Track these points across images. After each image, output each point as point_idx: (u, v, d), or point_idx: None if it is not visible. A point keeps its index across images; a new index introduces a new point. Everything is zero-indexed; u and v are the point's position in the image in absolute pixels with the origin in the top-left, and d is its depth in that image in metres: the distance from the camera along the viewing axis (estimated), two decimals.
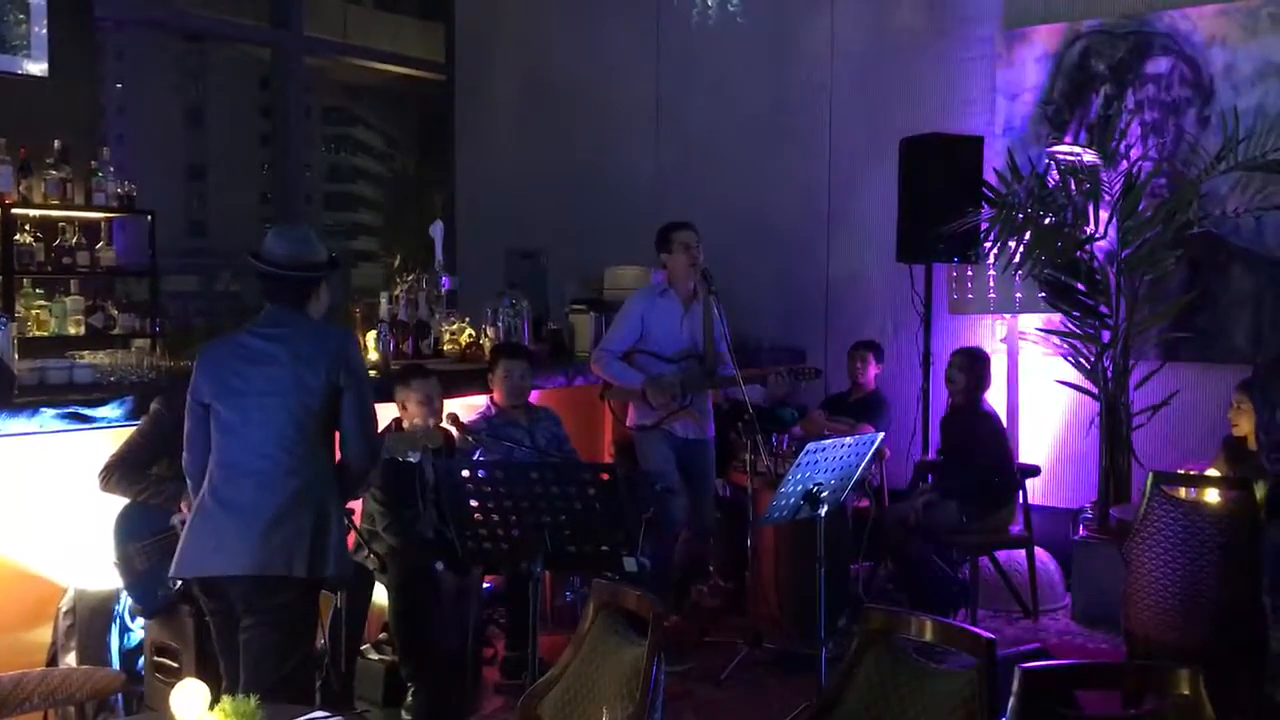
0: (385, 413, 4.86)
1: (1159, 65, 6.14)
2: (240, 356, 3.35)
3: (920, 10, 6.96)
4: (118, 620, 4.15)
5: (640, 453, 5.48)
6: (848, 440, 4.33)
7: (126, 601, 4.10)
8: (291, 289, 3.41)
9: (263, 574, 3.22)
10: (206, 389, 3.35)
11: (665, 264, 5.47)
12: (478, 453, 4.79)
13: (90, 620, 4.12)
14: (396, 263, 6.40)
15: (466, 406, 5.26)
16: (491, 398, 5.28)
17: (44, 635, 4.19)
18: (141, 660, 4.13)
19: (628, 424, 5.51)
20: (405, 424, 4.63)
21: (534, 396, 5.48)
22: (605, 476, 3.48)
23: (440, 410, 4.73)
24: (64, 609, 4.16)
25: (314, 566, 3.25)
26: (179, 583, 3.67)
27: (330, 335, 3.44)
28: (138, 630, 4.16)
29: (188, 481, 3.43)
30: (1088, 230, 5.72)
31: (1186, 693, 2.26)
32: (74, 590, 4.17)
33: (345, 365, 3.35)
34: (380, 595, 4.56)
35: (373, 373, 5.39)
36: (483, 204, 8.73)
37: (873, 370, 6.31)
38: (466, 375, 5.49)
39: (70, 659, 4.09)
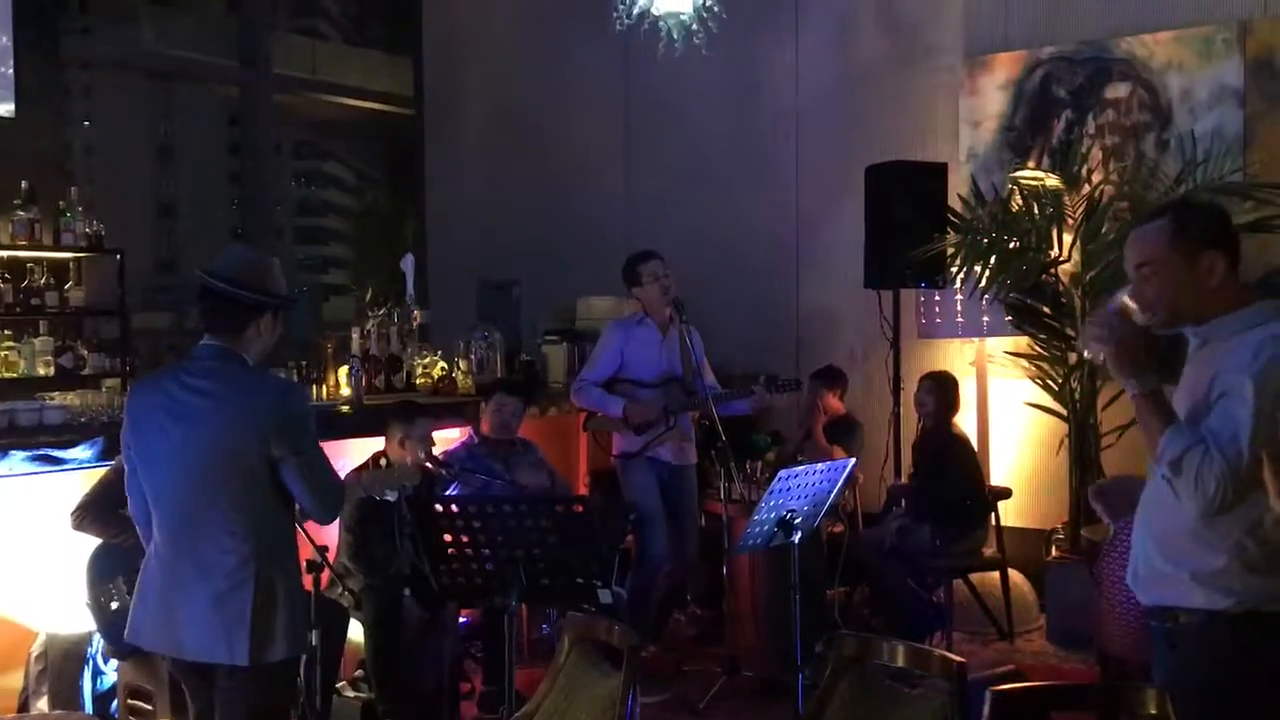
0: (363, 448, 4.88)
1: (1118, 90, 6.24)
2: (168, 411, 3.00)
3: (883, 40, 7.06)
4: (90, 663, 4.12)
5: (624, 481, 5.46)
6: (820, 466, 4.36)
7: (99, 644, 4.07)
8: (232, 316, 3.03)
9: (207, 661, 2.98)
10: (133, 445, 3.07)
11: (637, 297, 5.46)
12: (453, 487, 4.79)
13: (62, 664, 4.09)
14: (368, 296, 6.40)
15: (440, 440, 5.25)
16: (478, 427, 5.28)
17: (15, 681, 4.15)
18: (115, 703, 4.10)
19: (613, 453, 5.50)
20: (391, 458, 4.63)
21: None
22: (579, 508, 3.49)
23: (430, 449, 4.75)
24: (35, 653, 4.13)
25: (257, 652, 2.92)
26: None
27: (263, 393, 3.03)
28: (110, 673, 4.13)
29: (137, 528, 3.19)
30: (1052, 253, 5.80)
31: (1154, 712, 2.28)
32: (45, 634, 4.14)
33: (278, 430, 2.96)
34: (356, 632, 4.54)
35: (345, 408, 5.39)
36: (453, 237, 8.75)
37: (834, 399, 6.34)
38: (439, 409, 5.49)
39: (42, 704, 4.05)
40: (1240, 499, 2.32)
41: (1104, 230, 5.75)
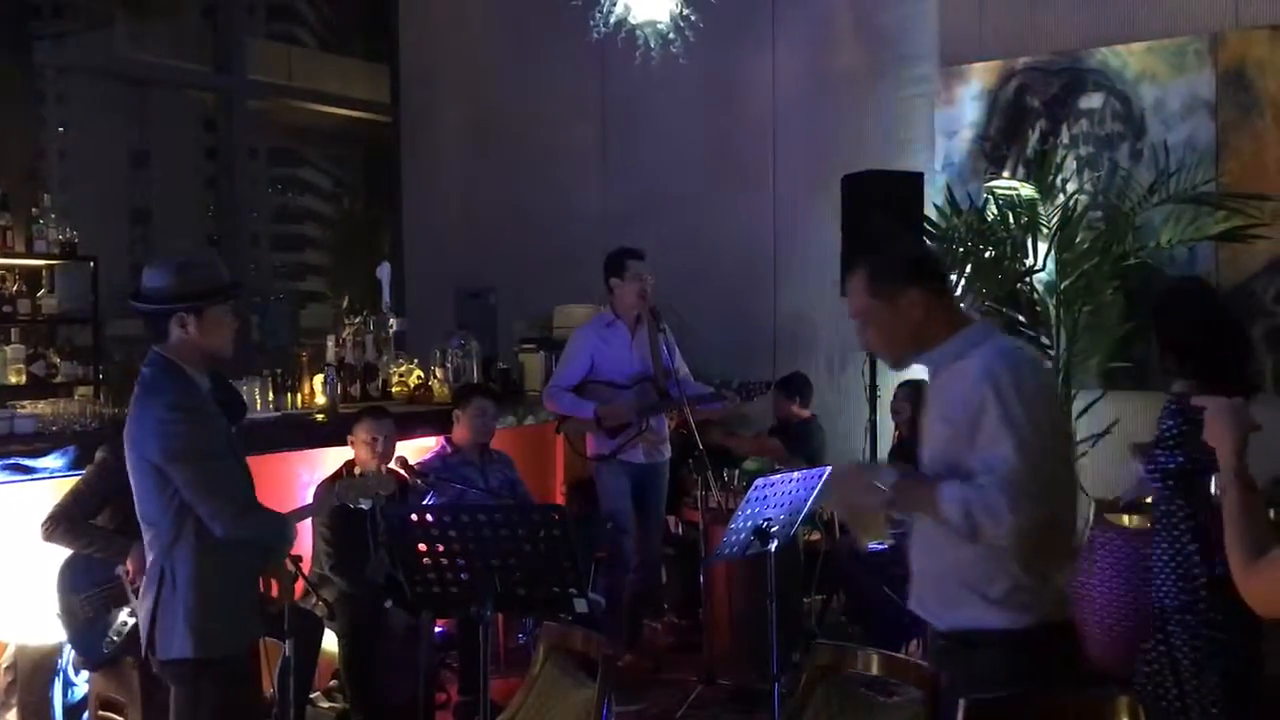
0: (337, 457, 4.86)
1: (1092, 101, 6.28)
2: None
3: (859, 50, 7.09)
4: (60, 674, 4.07)
5: (597, 484, 5.50)
6: (796, 474, 4.36)
7: (70, 655, 4.03)
8: (151, 325, 3.20)
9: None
10: None
11: (613, 289, 5.46)
12: (429, 496, 4.78)
13: (32, 675, 4.04)
14: (344, 304, 6.37)
15: (416, 449, 5.24)
16: (450, 437, 5.26)
17: None
18: (86, 715, 4.06)
19: (587, 454, 5.51)
20: (361, 466, 4.61)
21: None
22: (556, 517, 3.48)
23: (391, 453, 4.72)
24: (4, 665, 4.09)
25: (151, 647, 3.14)
26: (123, 634, 3.67)
27: (148, 406, 3.13)
28: (81, 684, 4.09)
29: None
30: (1027, 263, 5.82)
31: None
32: (15, 645, 4.09)
33: (151, 443, 3.09)
34: (330, 642, 4.52)
35: (319, 416, 5.37)
36: (430, 244, 8.73)
37: (788, 405, 6.40)
38: (416, 417, 5.47)
39: (11, 716, 4.01)
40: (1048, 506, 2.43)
41: (1078, 240, 5.78)
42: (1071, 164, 6.22)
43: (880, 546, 2.80)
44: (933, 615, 2.61)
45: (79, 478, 4.00)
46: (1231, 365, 3.54)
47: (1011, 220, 5.86)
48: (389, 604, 4.49)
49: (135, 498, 3.18)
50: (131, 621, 3.78)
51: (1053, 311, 5.78)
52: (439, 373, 6.03)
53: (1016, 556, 2.43)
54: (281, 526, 3.39)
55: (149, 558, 3.19)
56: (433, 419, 5.46)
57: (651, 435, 5.43)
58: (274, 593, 3.54)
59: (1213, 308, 3.82)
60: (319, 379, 5.61)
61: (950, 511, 2.41)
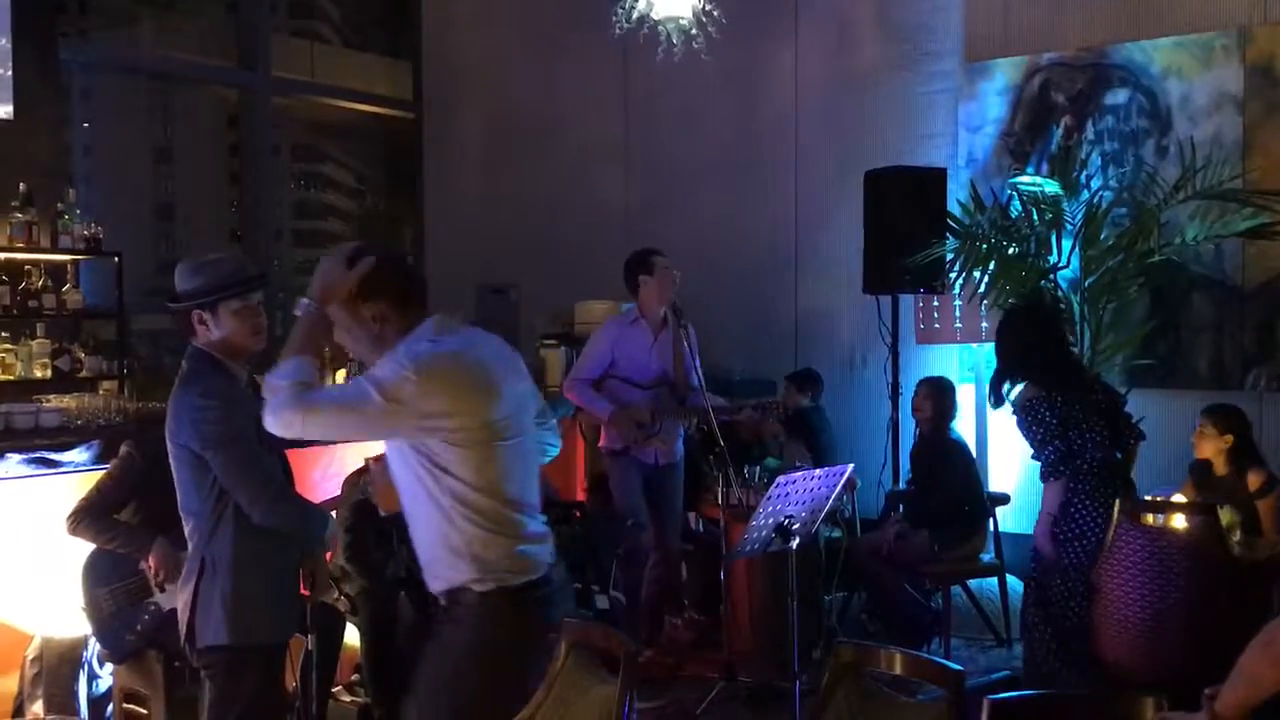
0: (362, 451, 4.87)
1: (1117, 97, 6.24)
2: None
3: (882, 45, 7.06)
4: (86, 667, 4.11)
5: (610, 476, 5.54)
6: (818, 472, 4.36)
7: (95, 648, 4.06)
8: (181, 325, 3.30)
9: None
10: None
11: (641, 285, 5.45)
12: None
13: (57, 667, 4.08)
14: None
15: None
16: None
17: (10, 685, 4.14)
18: (110, 708, 4.09)
19: (600, 445, 5.55)
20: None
21: None
22: (577, 514, 3.48)
23: None
24: (30, 657, 4.12)
25: (190, 636, 3.18)
26: (147, 627, 3.70)
27: (182, 397, 3.20)
28: (106, 677, 4.12)
29: None
30: (1051, 259, 5.79)
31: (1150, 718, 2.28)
32: (40, 638, 4.12)
33: (188, 430, 3.15)
34: (352, 636, 4.53)
35: None
36: (452, 240, 8.75)
37: (797, 398, 6.51)
38: None
39: (37, 708, 4.05)
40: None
41: (1103, 236, 5.75)
42: (1096, 160, 6.19)
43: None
44: (428, 580, 2.85)
45: (103, 472, 4.02)
46: (1062, 370, 4.47)
47: (1035, 217, 5.83)
48: (403, 594, 4.51)
49: (177, 490, 3.21)
50: (153, 614, 3.81)
51: (1077, 309, 5.75)
52: None
53: (468, 530, 2.71)
54: (320, 516, 3.43)
55: (190, 548, 3.21)
56: None
57: (665, 437, 5.45)
58: (306, 590, 3.54)
59: (1037, 325, 4.59)
60: (340, 375, 5.62)
61: (286, 373, 2.61)
